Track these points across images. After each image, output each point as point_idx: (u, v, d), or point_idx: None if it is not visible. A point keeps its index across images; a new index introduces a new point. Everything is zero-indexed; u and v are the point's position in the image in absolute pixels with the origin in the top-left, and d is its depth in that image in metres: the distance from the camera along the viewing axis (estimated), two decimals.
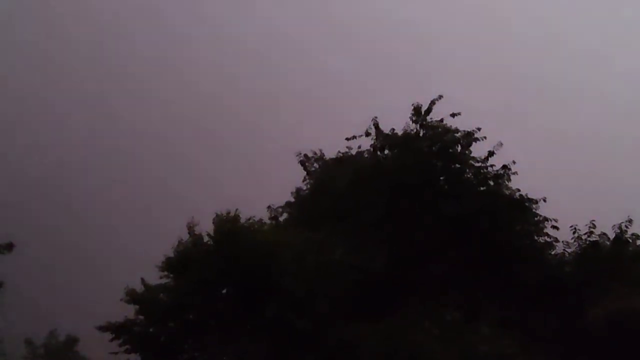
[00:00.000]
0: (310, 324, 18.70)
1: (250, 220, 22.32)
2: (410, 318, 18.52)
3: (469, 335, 18.18)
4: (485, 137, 20.49)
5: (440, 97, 20.70)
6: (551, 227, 20.44)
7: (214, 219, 21.91)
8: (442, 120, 20.78)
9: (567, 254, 20.69)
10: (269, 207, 22.67)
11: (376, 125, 21.03)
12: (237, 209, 22.15)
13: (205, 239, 22.18)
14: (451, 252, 19.30)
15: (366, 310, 18.33)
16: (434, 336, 17.84)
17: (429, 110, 20.78)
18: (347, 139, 21.38)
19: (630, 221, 20.23)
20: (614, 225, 20.38)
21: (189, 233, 22.19)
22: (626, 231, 20.39)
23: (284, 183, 23.45)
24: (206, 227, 22.16)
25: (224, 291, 21.54)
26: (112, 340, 20.88)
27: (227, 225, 21.86)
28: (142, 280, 22.44)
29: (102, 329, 20.91)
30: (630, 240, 20.49)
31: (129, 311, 21.69)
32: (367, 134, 21.13)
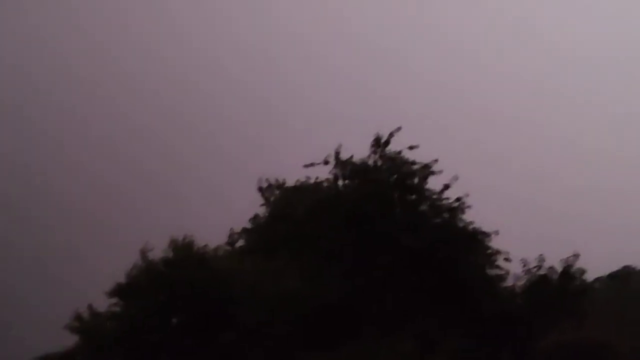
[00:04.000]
0: (264, 355, 18.41)
1: (205, 246, 21.99)
2: (367, 348, 18.50)
3: None
4: (441, 171, 20.94)
5: (399, 128, 21.10)
6: (503, 259, 20.95)
7: (169, 244, 21.46)
8: (400, 152, 21.14)
9: (517, 287, 21.21)
10: (231, 230, 22.37)
11: (336, 154, 21.20)
12: (191, 234, 21.82)
13: (158, 265, 21.69)
14: (408, 283, 19.46)
15: (322, 341, 18.19)
16: None
17: (387, 142, 21.12)
18: (306, 167, 21.43)
19: (576, 256, 21.01)
20: (562, 259, 21.12)
21: (142, 258, 21.63)
22: (572, 265, 21.13)
23: (243, 208, 23.21)
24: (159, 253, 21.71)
25: (176, 319, 20.99)
26: None
27: (182, 250, 21.46)
28: (90, 306, 21.63)
29: None
30: (577, 275, 21.23)
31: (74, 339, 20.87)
32: (326, 163, 21.26)
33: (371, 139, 21.15)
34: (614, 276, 25.79)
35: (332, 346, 18.28)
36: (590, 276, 21.98)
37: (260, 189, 22.45)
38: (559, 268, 21.13)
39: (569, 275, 21.05)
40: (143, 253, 21.28)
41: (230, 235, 22.14)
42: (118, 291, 21.25)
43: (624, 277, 31.20)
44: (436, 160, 21.01)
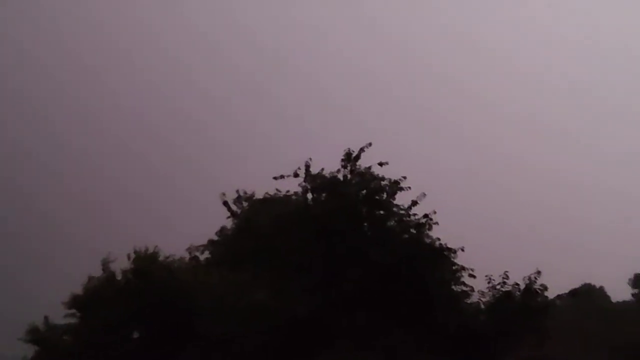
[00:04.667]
0: None
1: (169, 259, 21.56)
2: None
3: None
4: (409, 187, 21.08)
5: (370, 144, 21.19)
6: (468, 275, 21.09)
7: (128, 255, 20.95)
8: (370, 167, 21.20)
9: (482, 303, 21.38)
10: (188, 248, 22.04)
11: (307, 167, 21.13)
12: (155, 246, 21.38)
13: (120, 276, 21.16)
14: (375, 298, 19.43)
15: (290, 355, 17.96)
16: None
17: (357, 157, 21.17)
18: (275, 179, 21.30)
19: (539, 272, 21.30)
20: (525, 276, 21.37)
21: (102, 269, 21.07)
22: (535, 282, 21.41)
23: (211, 220, 22.91)
24: (120, 264, 21.19)
25: (137, 333, 20.47)
26: None
27: (145, 262, 20.98)
28: (46, 318, 20.95)
29: None
30: (539, 291, 21.50)
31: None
32: (296, 175, 21.16)
33: (342, 153, 21.17)
34: (574, 293, 26.22)
35: None
36: (551, 293, 22.26)
37: (225, 203, 22.23)
38: (523, 285, 21.32)
39: (531, 292, 21.29)
40: (104, 264, 20.74)
41: (190, 249, 21.80)
42: (76, 302, 20.64)
43: (584, 294, 31.94)
44: (404, 177, 21.17)
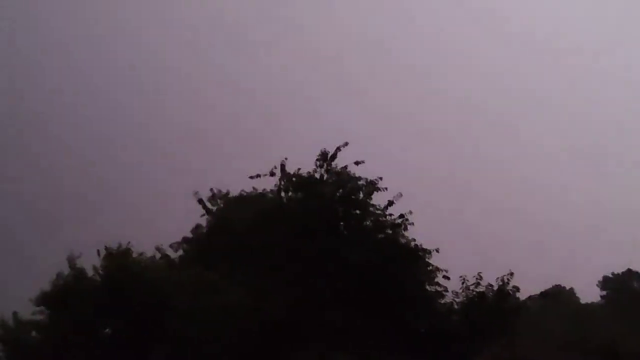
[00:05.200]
0: None
1: (142, 256, 21.25)
2: None
3: None
4: (386, 188, 21.04)
5: (346, 144, 21.12)
6: (442, 276, 21.16)
7: (98, 251, 20.57)
8: (346, 167, 21.13)
9: (455, 304, 21.46)
10: (157, 247, 21.76)
11: (282, 166, 20.98)
12: (128, 242, 21.04)
13: (90, 273, 20.79)
14: (349, 298, 19.39)
15: (262, 355, 17.82)
16: None
17: (334, 156, 21.09)
18: (251, 178, 21.12)
19: (511, 274, 21.46)
20: (498, 277, 21.52)
21: (69, 266, 20.67)
22: (508, 283, 21.58)
23: (186, 219, 22.63)
24: (91, 260, 20.82)
25: (107, 331, 20.13)
26: None
27: (117, 259, 20.64)
28: (14, 314, 20.54)
29: None
30: (511, 292, 21.68)
31: None
32: (272, 174, 21.00)
33: (318, 153, 21.07)
34: (545, 295, 26.56)
35: None
36: (523, 294, 22.45)
37: (200, 201, 22.00)
38: (496, 286, 21.46)
39: (504, 293, 21.43)
40: (70, 261, 20.36)
41: (159, 248, 21.53)
42: (45, 299, 20.24)
43: (554, 296, 32.44)
44: (381, 178, 21.13)
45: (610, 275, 58.29)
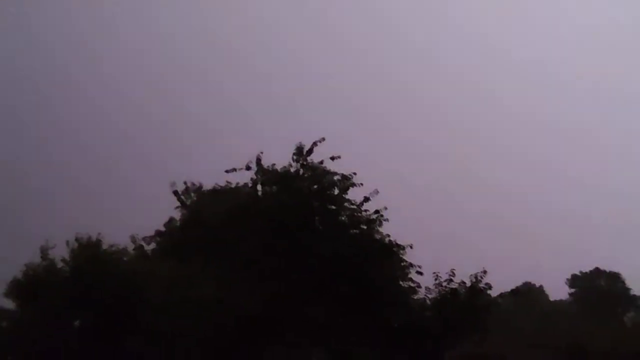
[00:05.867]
0: None
1: (114, 248, 20.94)
2: (277, 358, 18.26)
3: None
4: (362, 184, 21.04)
5: (323, 139, 21.06)
6: (416, 272, 21.30)
7: (67, 242, 20.19)
8: (322, 162, 21.08)
9: (428, 299, 21.64)
10: (132, 237, 21.44)
11: (258, 160, 20.85)
12: (99, 234, 20.71)
13: (60, 264, 20.43)
14: (325, 293, 19.40)
15: (236, 349, 17.73)
16: None
17: (310, 151, 21.02)
18: (227, 172, 20.93)
19: (484, 272, 21.69)
20: (471, 274, 21.73)
21: (41, 257, 20.28)
22: (481, 281, 21.81)
23: (158, 213, 22.36)
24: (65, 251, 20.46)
25: (78, 322, 19.81)
26: None
27: (87, 251, 20.30)
28: None
29: None
30: (483, 289, 21.92)
31: None
32: (248, 168, 20.86)
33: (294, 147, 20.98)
34: (516, 292, 26.90)
35: (245, 354, 17.89)
36: (494, 291, 22.71)
37: (175, 192, 21.75)
38: (469, 283, 21.66)
39: (476, 290, 21.64)
40: (43, 251, 19.96)
41: (134, 238, 21.23)
42: (15, 289, 19.84)
43: (524, 293, 32.94)
44: (355, 173, 21.11)
45: (579, 274, 59.47)
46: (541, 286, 54.32)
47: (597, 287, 58.44)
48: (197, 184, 21.93)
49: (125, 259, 20.83)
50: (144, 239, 21.41)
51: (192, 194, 21.75)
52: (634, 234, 70.08)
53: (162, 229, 21.80)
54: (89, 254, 20.11)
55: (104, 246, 20.66)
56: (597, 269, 58.84)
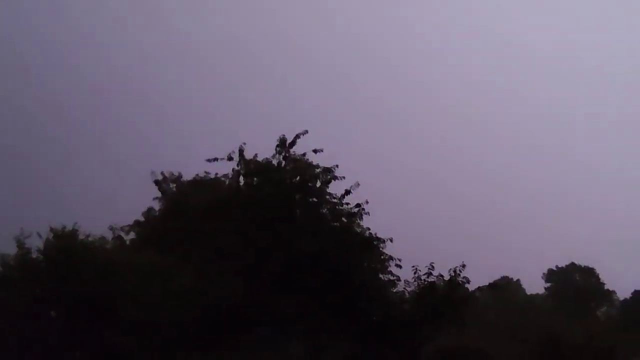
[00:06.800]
0: (150, 353, 17.55)
1: (90, 237, 20.65)
2: (254, 350, 18.22)
3: None
4: (344, 177, 21.02)
5: (306, 132, 20.99)
6: (395, 265, 21.38)
7: (38, 233, 19.82)
8: (304, 154, 21.02)
9: (407, 293, 21.76)
10: (111, 227, 21.18)
11: (240, 151, 20.71)
12: (75, 223, 20.40)
13: (36, 254, 20.10)
14: (303, 285, 19.38)
15: (214, 341, 17.64)
16: None
17: (293, 143, 20.94)
18: (208, 161, 20.77)
19: (463, 266, 21.87)
20: (450, 268, 21.88)
21: (17, 247, 19.91)
22: (459, 274, 21.97)
23: (136, 202, 22.08)
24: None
25: (54, 313, 19.51)
26: None
27: (63, 241, 19.99)
28: None
29: None
30: (462, 283, 22.09)
31: None
32: (230, 159, 20.71)
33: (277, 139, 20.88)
34: (494, 286, 27.20)
35: (221, 347, 17.82)
36: (472, 285, 22.90)
37: (157, 182, 21.52)
38: (447, 276, 21.82)
39: (455, 283, 21.81)
40: (18, 241, 19.60)
41: (116, 230, 20.98)
42: None
43: (502, 287, 33.33)
44: (337, 166, 21.09)
45: (555, 268, 60.41)
46: (518, 280, 55.11)
47: (572, 282, 59.47)
48: (177, 174, 21.70)
49: (106, 246, 20.58)
50: (122, 228, 21.15)
51: (171, 184, 21.52)
52: (609, 231, 71.38)
53: (141, 218, 21.56)
54: (64, 244, 19.81)
55: (81, 236, 20.39)
56: (572, 264, 59.84)
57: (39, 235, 19.64)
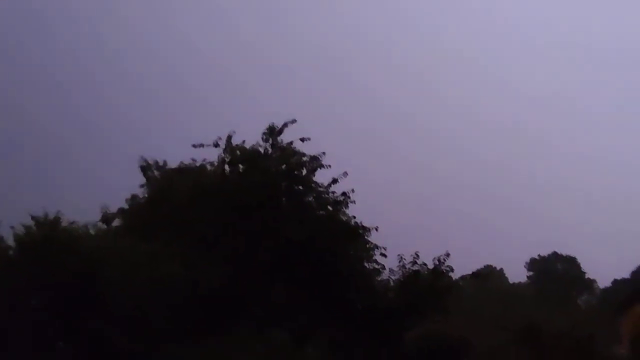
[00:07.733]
0: (135, 342, 17.45)
1: (73, 225, 20.42)
2: (240, 338, 18.20)
3: (295, 357, 18.38)
4: (330, 166, 20.96)
5: (294, 120, 20.87)
6: (380, 254, 21.45)
7: (13, 227, 19.57)
8: (291, 142, 20.92)
9: (391, 281, 21.86)
10: (102, 210, 20.95)
11: (228, 138, 20.57)
12: (58, 211, 20.15)
13: (16, 241, 19.86)
14: (288, 274, 19.39)
15: (199, 329, 17.61)
16: (260, 357, 17.70)
17: (280, 131, 20.82)
18: (194, 147, 20.60)
19: (448, 255, 22.00)
20: (434, 257, 22.00)
21: None
22: (443, 263, 22.11)
23: (121, 189, 21.84)
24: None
25: (35, 303, 19.30)
26: None
27: (45, 228, 19.75)
28: None
29: None
30: (445, 272, 22.23)
31: None
32: (216, 145, 20.56)
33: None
34: (477, 275, 27.44)
35: (208, 335, 17.79)
36: (456, 274, 23.07)
37: (143, 168, 21.32)
38: (432, 265, 21.94)
39: (439, 272, 21.94)
40: None
41: (104, 215, 20.75)
42: None
43: (485, 276, 33.62)
44: (324, 153, 21.04)
45: (537, 257, 61.11)
46: (501, 269, 55.66)
47: (554, 271, 60.22)
48: (161, 162, 21.51)
49: (86, 236, 20.36)
50: (104, 215, 20.93)
51: (156, 172, 21.33)
52: (591, 221, 72.30)
53: (125, 206, 21.36)
54: (46, 232, 19.58)
55: (63, 223, 20.16)
56: (554, 253, 60.57)
57: (12, 228, 19.41)
